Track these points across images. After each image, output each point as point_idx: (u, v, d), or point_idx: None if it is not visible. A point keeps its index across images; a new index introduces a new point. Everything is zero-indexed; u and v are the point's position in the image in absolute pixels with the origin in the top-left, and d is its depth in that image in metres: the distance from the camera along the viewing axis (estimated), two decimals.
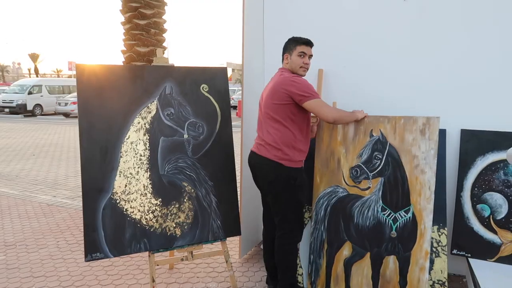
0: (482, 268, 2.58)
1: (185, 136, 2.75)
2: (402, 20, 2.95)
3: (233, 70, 45.24)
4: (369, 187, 2.56)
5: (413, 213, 2.45)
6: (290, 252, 2.52)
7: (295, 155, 2.43)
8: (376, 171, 2.56)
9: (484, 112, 2.79)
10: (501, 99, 2.75)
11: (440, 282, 2.58)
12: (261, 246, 3.49)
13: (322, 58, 3.18)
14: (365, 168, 2.58)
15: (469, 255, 2.75)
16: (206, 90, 2.83)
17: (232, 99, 21.13)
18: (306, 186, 2.67)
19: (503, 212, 2.69)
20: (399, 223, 2.47)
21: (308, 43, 2.52)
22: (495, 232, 2.70)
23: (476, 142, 2.78)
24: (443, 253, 2.62)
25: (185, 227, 2.69)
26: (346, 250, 2.61)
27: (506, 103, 2.74)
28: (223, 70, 2.92)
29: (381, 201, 2.52)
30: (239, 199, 3.07)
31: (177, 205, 2.68)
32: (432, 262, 2.61)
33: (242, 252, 3.27)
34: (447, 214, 2.70)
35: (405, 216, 2.47)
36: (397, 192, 2.49)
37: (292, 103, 2.38)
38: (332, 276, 2.64)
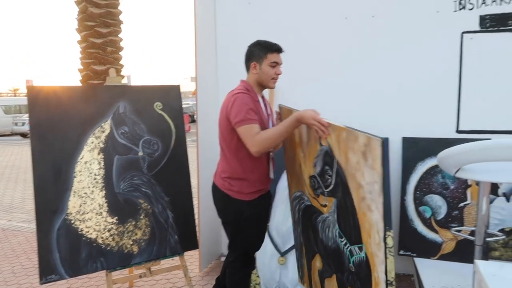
0: (425, 267, 2.77)
1: (140, 153, 2.79)
2: (347, 36, 3.16)
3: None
4: (325, 205, 1.99)
5: (366, 254, 1.75)
6: (237, 282, 2.34)
7: (244, 187, 2.17)
8: (329, 188, 1.93)
9: (423, 120, 3.02)
10: (437, 108, 2.98)
11: (388, 282, 2.73)
12: (221, 259, 3.56)
13: None
14: (320, 182, 1.98)
15: (415, 254, 2.94)
16: (160, 107, 2.90)
17: (196, 113, 21.02)
18: (261, 218, 2.34)
19: (442, 212, 2.90)
20: (355, 259, 1.85)
21: (281, 50, 2.19)
22: (436, 232, 2.90)
23: (416, 148, 3.00)
24: (390, 255, 2.78)
25: (142, 243, 2.72)
26: (318, 262, 2.26)
27: (442, 111, 2.98)
28: (176, 88, 3.00)
29: (337, 226, 1.92)
30: (197, 213, 3.14)
31: (133, 222, 2.71)
32: None
33: (202, 266, 3.32)
34: (393, 217, 2.88)
35: (359, 253, 1.79)
36: (349, 222, 1.81)
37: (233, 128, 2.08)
38: (312, 279, 2.39)
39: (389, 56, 3.06)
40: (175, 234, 2.81)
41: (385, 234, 1.58)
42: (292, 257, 2.90)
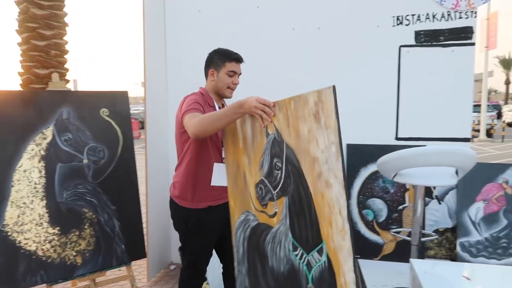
0: (368, 267, 2.90)
1: (85, 161, 2.70)
2: (294, 46, 3.26)
3: None
4: (275, 213, 1.67)
5: (327, 256, 1.43)
6: None
7: (188, 193, 2.09)
8: (279, 187, 1.64)
9: (366, 128, 3.17)
10: (378, 116, 3.16)
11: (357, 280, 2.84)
12: (171, 267, 3.51)
13: None
14: (268, 184, 1.69)
15: (358, 256, 3.08)
16: (106, 114, 2.83)
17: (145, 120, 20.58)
18: (210, 230, 2.16)
19: (383, 215, 3.07)
20: (314, 271, 1.50)
21: (240, 59, 2.16)
22: (378, 234, 3.06)
23: (359, 155, 3.15)
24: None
25: (87, 254, 2.62)
26: None
27: (383, 120, 3.15)
28: (124, 94, 2.95)
29: (290, 234, 1.59)
30: (145, 221, 3.08)
31: (77, 233, 2.61)
32: None
33: (151, 275, 3.25)
34: None
35: (319, 260, 1.48)
36: (304, 219, 1.52)
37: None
38: None
39: (333, 66, 3.20)
40: (122, 243, 2.74)
41: (348, 211, 1.34)
42: None
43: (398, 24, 3.09)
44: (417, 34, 3.07)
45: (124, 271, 2.79)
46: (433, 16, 3.02)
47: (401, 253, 3.03)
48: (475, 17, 2.99)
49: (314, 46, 3.23)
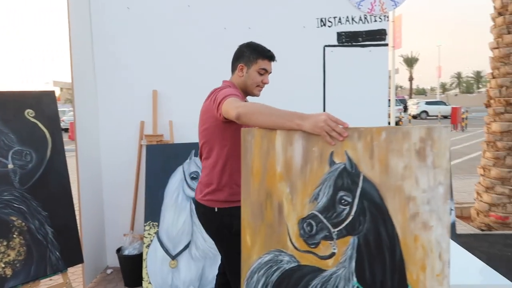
0: None
1: (10, 166, 2.53)
2: (226, 45, 3.34)
3: (61, 89, 41.11)
4: (333, 254, 1.46)
5: None
6: None
7: (232, 190, 1.91)
8: (343, 225, 1.45)
9: None
10: (306, 111, 3.36)
11: None
12: (107, 271, 3.41)
13: (156, 80, 3.36)
14: (324, 220, 1.48)
15: None
16: (32, 115, 2.67)
17: (63, 120, 19.31)
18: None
19: None
20: None
21: (273, 58, 2.02)
22: None
23: None
24: None
25: (17, 265, 2.46)
26: None
27: None
28: (51, 93, 2.80)
29: (355, 279, 1.44)
30: (79, 226, 2.96)
31: (5, 243, 2.44)
32: None
33: (87, 281, 3.13)
34: None
35: None
36: (382, 263, 1.40)
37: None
38: None
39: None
40: (56, 250, 2.61)
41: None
42: (183, 259, 2.95)
43: (322, 26, 3.33)
44: (339, 35, 3.33)
45: (59, 279, 2.66)
46: (352, 19, 3.31)
47: None
48: (388, 20, 3.34)
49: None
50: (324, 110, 3.39)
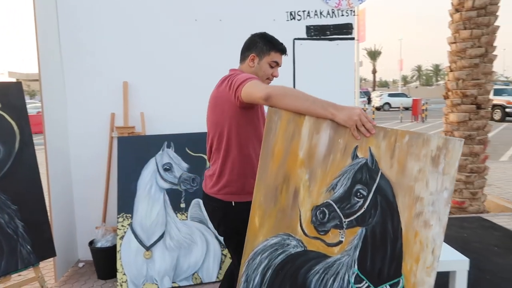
0: None
1: None
2: (197, 36, 3.36)
3: (17, 80, 39.33)
4: (340, 242, 1.57)
5: None
6: None
7: (247, 184, 1.84)
8: (355, 216, 1.55)
9: None
10: None
11: None
12: (79, 265, 3.39)
13: (126, 71, 3.33)
14: (337, 210, 1.56)
15: None
16: None
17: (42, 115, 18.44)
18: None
19: None
20: None
21: (285, 52, 1.99)
22: None
23: None
24: None
25: None
26: None
27: None
28: (18, 85, 2.73)
29: (356, 267, 1.55)
30: (50, 219, 2.92)
31: None
32: None
33: (58, 275, 3.10)
34: None
35: None
36: (383, 253, 1.53)
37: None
38: None
39: (234, 57, 3.38)
40: (27, 244, 2.57)
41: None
42: (157, 249, 2.98)
43: (291, 19, 3.41)
44: (308, 28, 3.43)
45: (31, 273, 2.63)
46: (321, 13, 3.41)
47: None
48: (354, 15, 3.46)
49: (216, 37, 3.38)
50: None
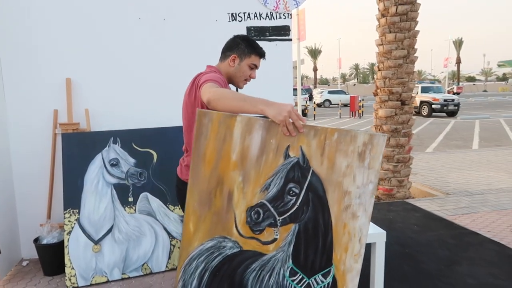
0: None
1: None
2: (137, 36, 3.45)
3: None
4: (275, 239, 1.63)
5: (333, 278, 1.66)
6: None
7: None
8: (288, 213, 1.62)
9: None
10: None
11: None
12: (23, 263, 3.35)
13: (68, 67, 3.34)
14: (271, 209, 1.62)
15: None
16: None
17: None
18: None
19: None
20: None
21: (264, 56, 2.10)
22: None
23: None
24: None
25: None
26: None
27: None
28: None
29: (291, 261, 1.64)
30: None
31: None
32: None
33: (1, 274, 3.06)
34: None
35: (322, 281, 1.66)
36: (315, 246, 1.64)
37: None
38: None
39: (178, 55, 3.53)
40: None
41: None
42: (106, 243, 3.05)
43: (232, 20, 3.61)
44: (248, 29, 3.65)
45: None
46: (260, 15, 3.65)
47: None
48: (291, 18, 3.74)
49: (160, 35, 3.49)
50: None
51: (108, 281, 3.00)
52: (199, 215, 1.60)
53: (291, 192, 1.59)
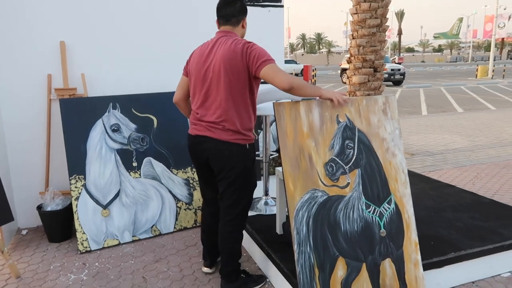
0: None
1: None
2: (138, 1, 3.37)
3: None
4: (348, 183, 2.14)
5: (395, 203, 2.21)
6: (237, 239, 2.35)
7: (251, 125, 2.24)
8: (351, 162, 2.16)
9: None
10: None
11: (199, 208, 3.36)
12: (22, 232, 3.29)
13: (62, 30, 3.21)
14: (340, 162, 2.14)
15: None
16: None
17: None
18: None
19: None
20: (385, 218, 2.18)
21: None
22: None
23: None
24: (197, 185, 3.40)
25: None
26: (340, 270, 2.07)
27: None
28: None
29: (363, 197, 2.15)
30: None
31: None
32: (192, 195, 3.35)
33: (6, 243, 3.00)
34: None
35: (388, 208, 2.19)
36: (376, 182, 2.18)
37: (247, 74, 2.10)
38: None
39: (178, 17, 3.49)
40: None
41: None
42: (115, 207, 3.08)
43: None
44: None
45: None
46: None
47: None
48: None
49: (160, 3, 3.43)
50: None
51: (120, 244, 3.05)
52: (294, 176, 2.08)
53: (348, 146, 2.17)
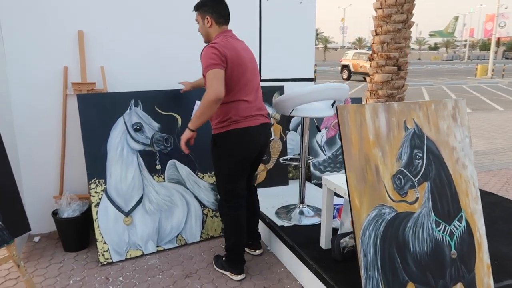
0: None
1: None
2: None
3: None
4: (417, 198, 1.90)
5: (466, 221, 1.98)
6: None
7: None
8: (420, 174, 1.92)
9: None
10: None
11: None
12: (34, 239, 3.02)
13: (81, 18, 2.93)
14: (408, 174, 1.90)
15: None
16: None
17: None
18: None
19: None
20: (456, 237, 1.95)
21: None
22: None
23: None
24: None
25: None
26: None
27: None
28: None
29: (433, 214, 1.91)
30: None
31: None
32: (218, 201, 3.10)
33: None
34: None
35: (459, 226, 1.96)
36: (446, 197, 1.94)
37: None
38: None
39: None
40: None
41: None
42: (137, 214, 2.81)
43: None
44: None
45: (3, 251, 2.27)
46: None
47: (271, 179, 3.54)
48: None
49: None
50: (260, 61, 3.49)
51: (143, 255, 2.79)
52: (360, 191, 1.82)
53: (417, 156, 1.92)
